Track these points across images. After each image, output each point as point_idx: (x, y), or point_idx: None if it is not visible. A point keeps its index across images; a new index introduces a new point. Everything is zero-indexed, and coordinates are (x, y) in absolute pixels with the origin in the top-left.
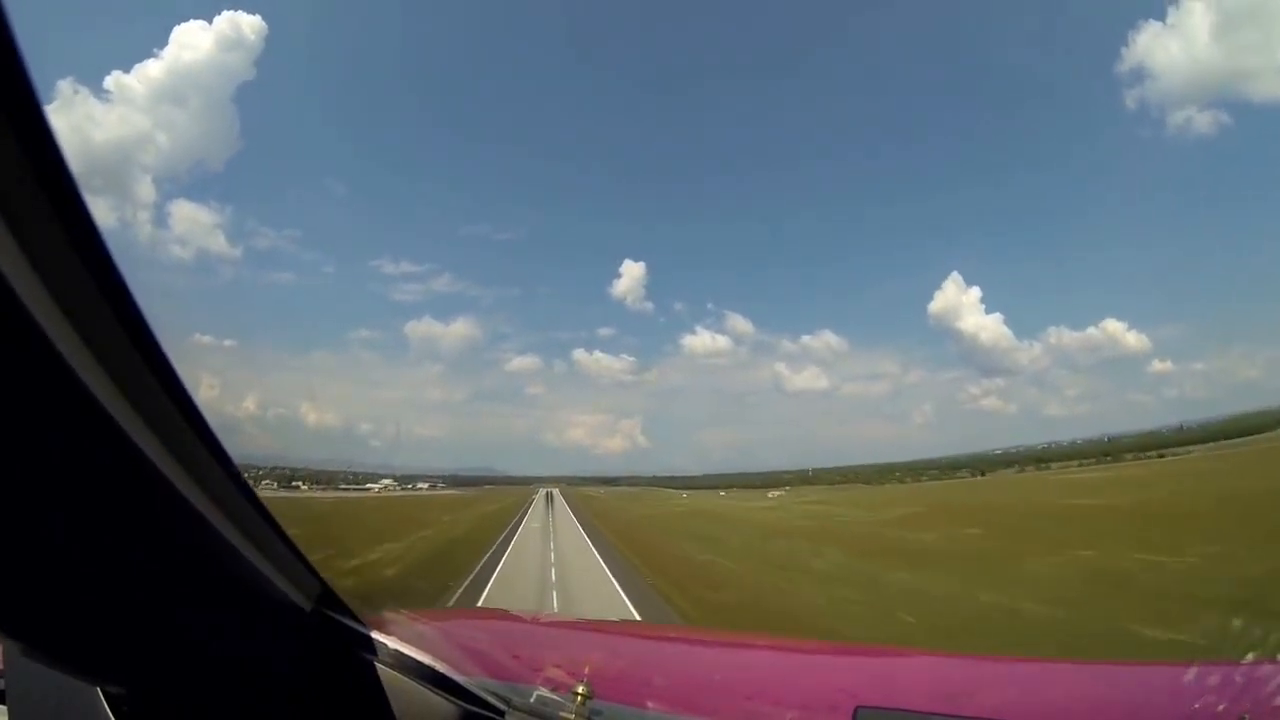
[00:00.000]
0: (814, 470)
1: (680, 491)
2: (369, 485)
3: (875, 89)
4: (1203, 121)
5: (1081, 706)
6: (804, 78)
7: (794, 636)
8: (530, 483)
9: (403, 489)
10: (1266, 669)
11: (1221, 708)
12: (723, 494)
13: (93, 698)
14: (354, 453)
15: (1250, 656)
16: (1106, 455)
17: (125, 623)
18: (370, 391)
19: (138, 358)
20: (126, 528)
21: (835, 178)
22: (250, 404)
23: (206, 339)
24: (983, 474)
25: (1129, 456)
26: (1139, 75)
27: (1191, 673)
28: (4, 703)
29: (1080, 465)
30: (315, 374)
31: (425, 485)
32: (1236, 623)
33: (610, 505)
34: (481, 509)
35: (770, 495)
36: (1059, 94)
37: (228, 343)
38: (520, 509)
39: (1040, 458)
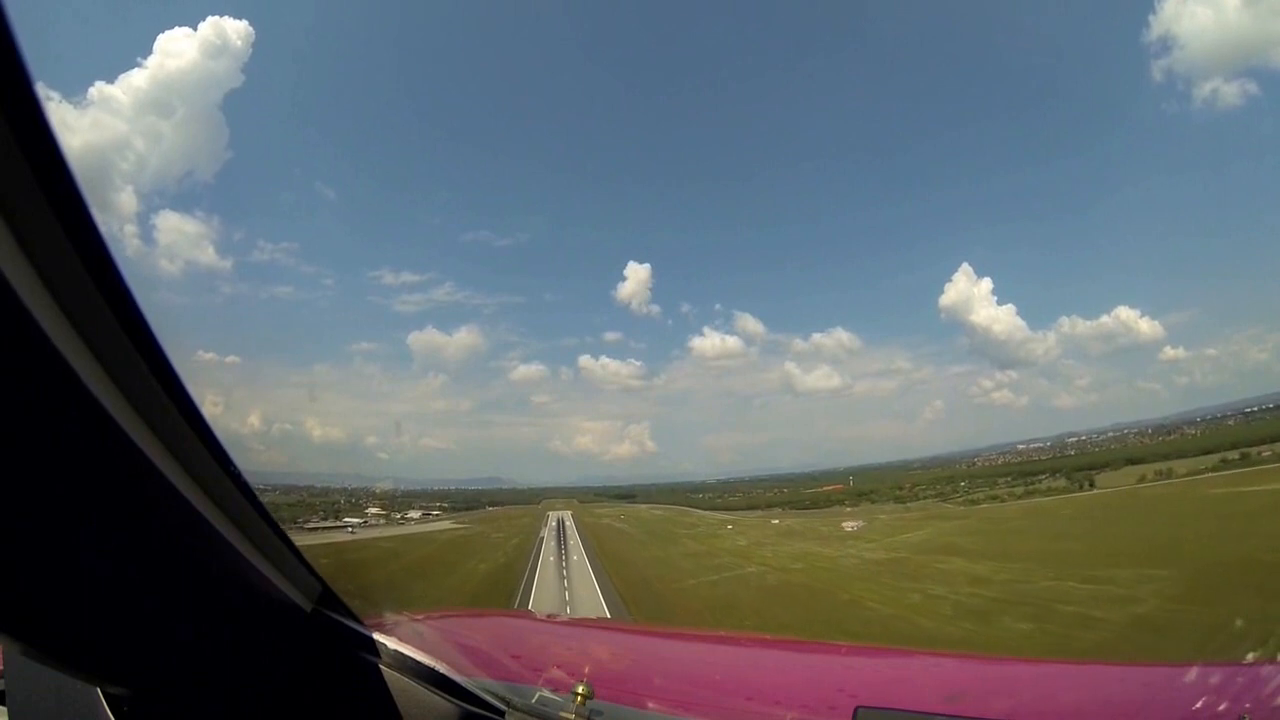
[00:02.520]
0: (853, 478)
1: (723, 520)
2: (347, 520)
3: (880, 77)
4: (1229, 93)
5: (1081, 706)
6: (808, 65)
7: (794, 636)
8: (539, 498)
9: (389, 520)
10: (1266, 669)
11: (1221, 708)
12: (776, 521)
13: (93, 698)
14: (361, 465)
15: (1250, 656)
16: (1232, 449)
17: (125, 623)
18: (375, 404)
19: (137, 358)
20: (127, 528)
21: (843, 167)
22: (255, 420)
23: (210, 355)
24: (1090, 484)
25: (1257, 452)
26: (1165, 46)
27: (1191, 673)
28: (4, 703)
29: (1222, 469)
30: (318, 388)
31: (416, 514)
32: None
33: (645, 555)
34: (467, 571)
35: (847, 526)
36: (1075, 72)
37: (230, 359)
38: (523, 568)
39: (1132, 457)
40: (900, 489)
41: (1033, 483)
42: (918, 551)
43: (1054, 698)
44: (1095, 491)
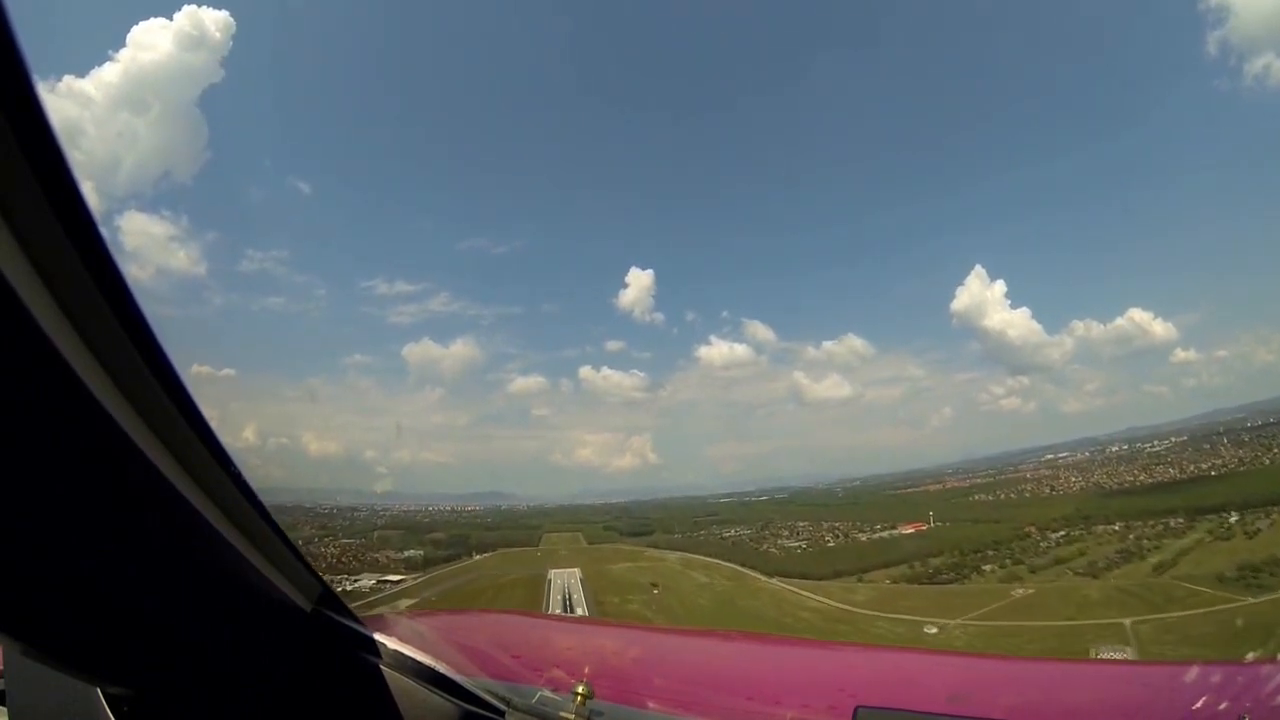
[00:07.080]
0: (933, 513)
1: (822, 612)
2: None
3: (888, 73)
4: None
5: (1081, 706)
6: (816, 55)
7: (794, 636)
8: (538, 531)
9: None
10: (1266, 669)
11: (1221, 707)
12: (933, 630)
13: (93, 698)
14: (360, 480)
15: (1250, 656)
16: None
17: (125, 623)
18: (371, 418)
19: (137, 357)
20: (127, 528)
21: (853, 166)
22: (250, 434)
23: (204, 369)
24: None
25: None
26: (1219, 18)
27: (1191, 673)
28: (4, 703)
29: None
30: (313, 402)
31: (369, 582)
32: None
33: None
34: None
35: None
36: (1104, 54)
37: (225, 372)
38: None
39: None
40: (1024, 535)
41: (1248, 528)
42: None
43: (1054, 698)
44: None
